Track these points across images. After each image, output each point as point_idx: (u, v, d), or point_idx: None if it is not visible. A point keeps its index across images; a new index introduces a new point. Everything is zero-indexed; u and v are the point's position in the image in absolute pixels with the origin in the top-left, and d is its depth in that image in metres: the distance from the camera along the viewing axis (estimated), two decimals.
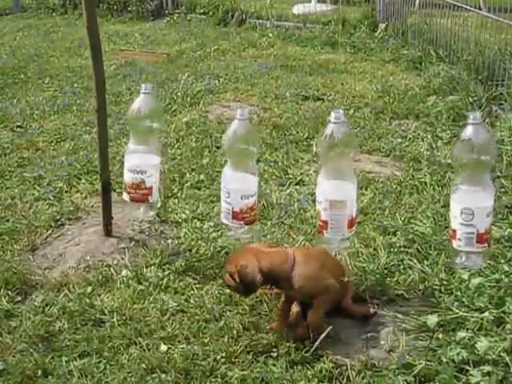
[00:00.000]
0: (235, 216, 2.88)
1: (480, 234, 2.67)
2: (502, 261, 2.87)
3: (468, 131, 2.63)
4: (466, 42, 5.71)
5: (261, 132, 4.47)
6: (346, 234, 2.78)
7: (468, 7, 5.91)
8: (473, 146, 2.61)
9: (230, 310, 2.67)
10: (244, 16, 8.20)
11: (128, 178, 3.13)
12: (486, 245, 2.72)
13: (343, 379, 2.32)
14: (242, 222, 2.89)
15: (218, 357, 2.41)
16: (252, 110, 5.02)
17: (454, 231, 2.71)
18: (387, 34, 7.11)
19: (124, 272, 2.96)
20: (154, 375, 2.34)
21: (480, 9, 6.13)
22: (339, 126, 2.63)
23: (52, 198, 3.70)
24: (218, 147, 4.31)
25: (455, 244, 2.73)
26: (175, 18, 8.62)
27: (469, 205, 2.65)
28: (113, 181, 3.44)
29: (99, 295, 2.81)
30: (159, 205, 3.43)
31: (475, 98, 4.83)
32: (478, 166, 2.64)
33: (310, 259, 2.58)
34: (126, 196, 3.18)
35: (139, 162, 3.11)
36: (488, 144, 2.67)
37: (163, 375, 2.33)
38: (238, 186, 2.85)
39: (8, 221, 3.46)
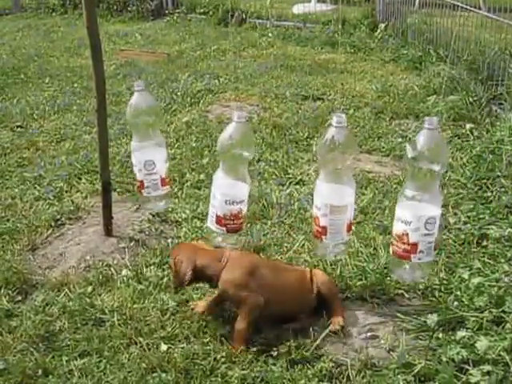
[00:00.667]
0: (218, 221, 2.84)
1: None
2: (502, 260, 2.88)
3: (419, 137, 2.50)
4: (466, 41, 5.71)
5: (255, 136, 4.47)
6: (344, 238, 2.76)
7: (468, 7, 5.90)
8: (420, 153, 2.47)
9: (230, 310, 2.67)
10: (244, 16, 8.21)
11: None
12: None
13: (343, 378, 2.32)
14: (224, 229, 2.84)
15: (218, 356, 2.42)
16: (251, 111, 5.03)
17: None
18: (387, 33, 7.12)
19: (124, 271, 2.96)
20: (154, 374, 2.34)
21: (480, 9, 6.12)
22: (340, 129, 2.59)
23: (52, 198, 3.70)
24: None
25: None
26: (175, 17, 8.64)
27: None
28: (113, 181, 3.44)
29: (99, 295, 2.81)
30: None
31: (475, 98, 4.83)
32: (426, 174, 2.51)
33: (240, 266, 2.54)
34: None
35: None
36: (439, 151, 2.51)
37: (163, 374, 2.34)
38: (224, 190, 2.81)
39: (8, 220, 3.47)
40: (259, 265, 2.59)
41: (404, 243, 2.57)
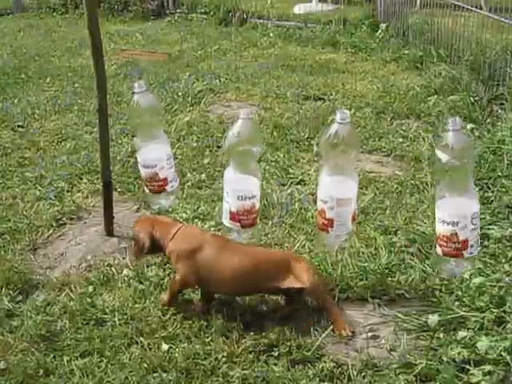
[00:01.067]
0: (232, 217, 2.86)
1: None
2: (503, 260, 2.88)
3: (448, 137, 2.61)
4: (467, 41, 5.70)
5: (262, 131, 4.48)
6: (349, 228, 2.81)
7: (469, 7, 5.90)
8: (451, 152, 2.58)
9: (231, 310, 2.67)
10: (245, 16, 8.20)
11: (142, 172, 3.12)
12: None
13: (344, 378, 2.32)
14: (238, 224, 2.87)
15: (220, 356, 2.42)
16: (252, 111, 5.03)
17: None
18: (388, 33, 7.11)
19: (125, 271, 2.97)
20: (155, 374, 2.35)
21: (481, 8, 6.12)
22: (344, 126, 2.62)
23: (53, 198, 3.70)
24: (218, 147, 4.32)
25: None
26: (176, 17, 8.63)
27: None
28: (114, 180, 3.44)
29: (100, 295, 2.81)
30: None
31: (476, 98, 4.83)
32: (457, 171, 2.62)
33: (186, 240, 2.65)
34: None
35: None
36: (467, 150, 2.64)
37: (164, 374, 2.34)
38: (236, 186, 2.84)
39: (9, 220, 3.47)
40: (206, 243, 2.64)
41: (454, 242, 2.69)
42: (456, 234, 2.70)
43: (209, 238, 2.70)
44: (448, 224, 2.67)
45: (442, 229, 2.71)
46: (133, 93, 3.17)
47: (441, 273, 2.82)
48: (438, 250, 2.82)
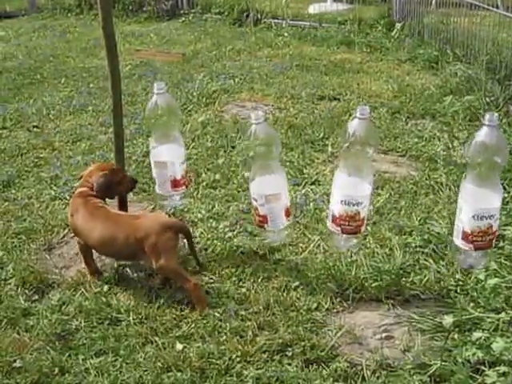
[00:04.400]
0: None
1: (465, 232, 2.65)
2: None
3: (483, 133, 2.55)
4: (483, 41, 5.67)
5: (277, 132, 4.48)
6: (284, 222, 2.92)
7: (485, 6, 5.87)
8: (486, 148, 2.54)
9: (245, 309, 2.68)
10: (259, 16, 8.20)
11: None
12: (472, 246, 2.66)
13: (358, 378, 2.32)
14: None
15: (234, 356, 2.42)
16: (267, 111, 5.03)
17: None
18: (403, 33, 7.08)
19: (140, 271, 2.97)
20: (169, 374, 2.35)
21: (498, 8, 6.08)
22: (363, 121, 2.62)
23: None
24: (233, 147, 4.32)
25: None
26: (190, 17, 8.64)
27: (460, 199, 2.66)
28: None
29: (115, 294, 2.83)
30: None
31: (492, 98, 4.80)
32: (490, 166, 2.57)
33: (77, 209, 2.96)
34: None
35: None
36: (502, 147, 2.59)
37: (179, 374, 2.35)
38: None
39: (25, 220, 3.49)
40: (82, 210, 2.90)
41: (490, 234, 2.64)
42: (491, 226, 2.62)
43: (83, 202, 2.93)
44: (482, 218, 2.60)
45: (473, 224, 2.62)
46: (152, 94, 3.16)
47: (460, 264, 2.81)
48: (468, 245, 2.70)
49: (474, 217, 2.60)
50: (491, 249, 2.72)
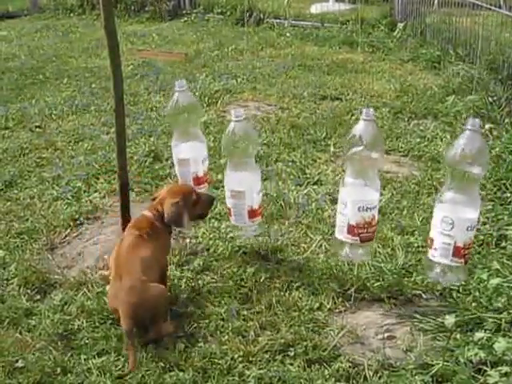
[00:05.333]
0: (350, 230, 2.69)
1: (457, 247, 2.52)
2: None
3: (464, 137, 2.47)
4: (485, 41, 5.66)
5: (273, 136, 4.48)
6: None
7: (488, 6, 5.86)
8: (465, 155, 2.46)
9: (247, 309, 2.68)
10: (262, 16, 8.20)
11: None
12: (463, 260, 2.54)
13: (360, 378, 2.32)
14: (357, 238, 2.68)
15: (236, 356, 2.42)
16: (269, 111, 5.03)
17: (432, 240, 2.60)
18: (406, 33, 7.08)
19: None
20: (171, 373, 2.35)
21: (500, 7, 6.07)
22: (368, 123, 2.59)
23: (70, 198, 3.72)
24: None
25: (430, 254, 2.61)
26: (193, 17, 8.65)
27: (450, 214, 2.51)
28: (131, 180, 3.45)
29: None
30: None
31: (495, 98, 4.79)
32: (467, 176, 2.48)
33: None
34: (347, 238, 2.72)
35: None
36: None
37: (181, 373, 2.35)
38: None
39: (27, 220, 3.50)
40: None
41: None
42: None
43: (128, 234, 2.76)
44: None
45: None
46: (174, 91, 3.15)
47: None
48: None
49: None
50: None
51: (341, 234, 2.69)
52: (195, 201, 2.82)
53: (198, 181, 3.19)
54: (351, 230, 2.65)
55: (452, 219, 2.50)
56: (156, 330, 2.52)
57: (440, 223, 2.53)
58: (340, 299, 2.73)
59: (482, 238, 3.10)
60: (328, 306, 2.69)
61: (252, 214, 2.95)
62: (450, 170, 2.54)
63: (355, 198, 2.63)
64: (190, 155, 3.16)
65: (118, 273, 2.56)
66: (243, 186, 2.91)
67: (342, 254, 2.76)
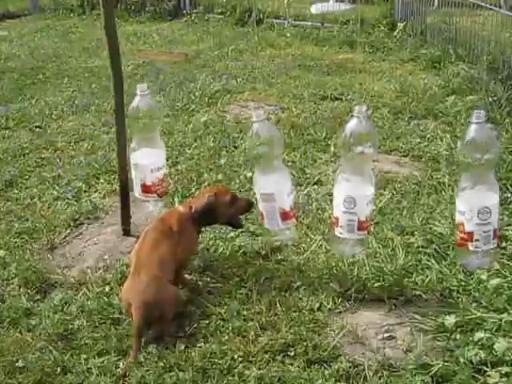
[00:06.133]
0: (283, 215, 2.84)
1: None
2: None
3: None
4: (485, 41, 5.67)
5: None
6: (280, 225, 2.87)
7: (488, 6, 5.86)
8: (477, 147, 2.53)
9: (247, 309, 2.68)
10: (262, 16, 8.20)
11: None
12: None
13: (360, 379, 2.32)
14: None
15: (236, 356, 2.42)
16: (269, 111, 5.02)
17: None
18: (406, 33, 7.08)
19: None
20: (171, 373, 2.35)
21: (500, 7, 6.08)
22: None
23: (71, 198, 3.72)
24: (235, 147, 4.32)
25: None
26: (193, 17, 8.65)
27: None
28: (131, 180, 3.45)
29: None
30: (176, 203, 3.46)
31: (495, 98, 4.79)
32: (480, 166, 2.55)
33: None
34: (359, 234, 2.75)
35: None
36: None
37: (181, 373, 2.35)
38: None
39: (27, 220, 3.50)
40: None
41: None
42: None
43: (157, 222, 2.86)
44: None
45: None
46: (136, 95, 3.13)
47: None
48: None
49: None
50: None
51: (351, 233, 2.71)
52: (230, 201, 2.89)
53: (145, 189, 3.15)
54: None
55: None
56: (158, 329, 2.53)
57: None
58: (340, 299, 2.73)
59: None
60: (328, 306, 2.69)
61: (284, 216, 2.88)
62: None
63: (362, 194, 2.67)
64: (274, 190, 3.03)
65: (138, 267, 2.63)
66: (273, 188, 2.85)
67: (345, 250, 2.80)
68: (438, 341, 2.47)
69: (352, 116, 2.61)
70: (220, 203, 2.85)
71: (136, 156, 3.14)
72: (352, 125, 2.60)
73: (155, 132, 3.18)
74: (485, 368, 2.28)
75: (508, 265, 2.83)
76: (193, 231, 2.85)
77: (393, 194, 3.62)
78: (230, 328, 2.56)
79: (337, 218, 2.71)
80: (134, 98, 3.10)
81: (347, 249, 2.79)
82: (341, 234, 2.72)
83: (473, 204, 2.57)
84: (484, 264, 2.71)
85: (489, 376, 2.24)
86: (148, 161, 3.11)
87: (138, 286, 2.56)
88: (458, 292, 2.72)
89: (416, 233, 3.18)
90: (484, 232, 2.58)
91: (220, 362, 2.40)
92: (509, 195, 3.48)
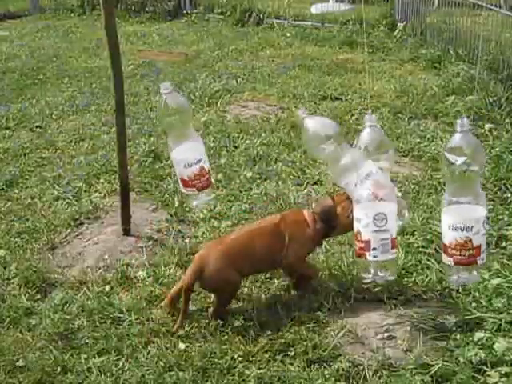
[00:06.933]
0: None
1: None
2: None
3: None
4: (485, 41, 5.66)
5: (273, 136, 4.46)
6: None
7: (488, 6, 5.86)
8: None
9: (247, 309, 2.68)
10: (262, 16, 8.20)
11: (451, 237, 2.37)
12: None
13: (360, 378, 2.32)
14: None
15: (236, 355, 2.42)
16: (269, 111, 5.02)
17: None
18: (406, 33, 7.08)
19: (142, 271, 2.98)
20: (171, 373, 2.36)
21: (500, 7, 6.08)
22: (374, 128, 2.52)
23: (71, 198, 3.73)
24: (235, 147, 4.32)
25: None
26: (193, 18, 8.66)
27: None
28: (131, 180, 3.46)
29: (117, 294, 2.83)
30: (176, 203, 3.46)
31: (495, 98, 4.79)
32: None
33: None
34: (446, 259, 2.39)
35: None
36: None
37: (181, 373, 2.35)
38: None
39: (28, 220, 3.50)
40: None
41: (468, 249, 2.32)
42: (470, 240, 2.29)
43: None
44: (462, 230, 2.29)
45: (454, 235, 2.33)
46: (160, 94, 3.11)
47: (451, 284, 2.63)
48: (448, 259, 2.36)
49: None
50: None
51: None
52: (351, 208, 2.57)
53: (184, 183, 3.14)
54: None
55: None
56: (214, 308, 2.63)
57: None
58: (340, 299, 2.73)
59: None
60: (328, 306, 2.69)
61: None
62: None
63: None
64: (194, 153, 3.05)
65: (222, 241, 2.73)
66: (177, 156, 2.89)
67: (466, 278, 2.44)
68: (438, 341, 2.47)
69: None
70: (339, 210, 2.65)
71: (172, 153, 3.14)
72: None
73: (187, 127, 3.17)
74: (485, 368, 2.28)
75: (508, 265, 2.83)
76: (308, 239, 2.70)
77: None
78: (230, 328, 2.56)
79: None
80: (159, 97, 3.07)
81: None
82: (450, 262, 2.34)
83: (368, 210, 2.39)
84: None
85: (489, 376, 2.24)
86: (181, 156, 3.11)
87: (208, 250, 2.65)
88: (457, 292, 2.72)
89: (416, 233, 3.18)
90: (381, 239, 2.38)
91: (220, 361, 2.40)
92: (508, 195, 3.48)
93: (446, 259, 2.35)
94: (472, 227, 2.29)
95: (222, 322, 2.58)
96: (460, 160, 2.35)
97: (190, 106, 3.30)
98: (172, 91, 3.06)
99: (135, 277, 2.94)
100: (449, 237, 2.32)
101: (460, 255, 2.29)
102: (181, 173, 3.11)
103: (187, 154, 3.10)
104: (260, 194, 3.65)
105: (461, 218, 2.30)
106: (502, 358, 2.30)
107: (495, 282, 2.67)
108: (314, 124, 2.68)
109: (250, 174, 3.85)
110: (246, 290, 2.80)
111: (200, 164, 3.08)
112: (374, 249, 2.39)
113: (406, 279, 2.82)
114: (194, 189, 3.13)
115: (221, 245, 2.68)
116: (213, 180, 3.10)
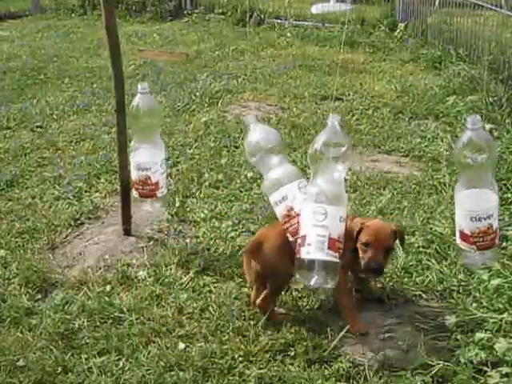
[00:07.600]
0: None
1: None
2: None
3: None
4: (486, 41, 5.67)
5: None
6: None
7: (489, 6, 5.86)
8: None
9: (248, 309, 2.68)
10: (262, 16, 8.21)
11: (134, 175, 3.08)
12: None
13: (360, 378, 2.32)
14: (473, 247, 2.49)
15: (236, 355, 2.42)
16: (270, 111, 5.02)
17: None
18: (407, 33, 7.09)
19: (143, 271, 2.98)
20: (172, 373, 2.36)
21: (501, 8, 6.08)
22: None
23: (72, 198, 3.73)
24: (236, 147, 4.32)
25: None
26: (194, 18, 8.66)
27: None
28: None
29: (118, 294, 2.83)
30: (177, 203, 3.47)
31: (495, 98, 4.79)
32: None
33: None
34: (134, 192, 3.14)
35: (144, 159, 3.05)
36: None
37: (181, 373, 2.35)
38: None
39: (28, 220, 3.50)
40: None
41: None
42: (491, 226, 2.45)
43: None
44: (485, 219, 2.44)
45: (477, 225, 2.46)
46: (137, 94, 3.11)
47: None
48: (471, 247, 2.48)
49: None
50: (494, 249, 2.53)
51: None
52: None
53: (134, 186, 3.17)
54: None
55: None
56: (264, 295, 2.60)
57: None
58: None
59: None
60: (328, 306, 2.69)
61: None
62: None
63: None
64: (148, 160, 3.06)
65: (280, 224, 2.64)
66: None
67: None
68: (439, 341, 2.47)
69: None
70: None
71: (131, 154, 3.15)
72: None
73: (153, 132, 3.15)
74: (485, 368, 2.28)
75: (508, 265, 2.83)
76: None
77: (393, 194, 3.62)
78: (231, 328, 2.57)
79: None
80: (135, 96, 3.09)
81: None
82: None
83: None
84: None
85: (489, 376, 2.24)
86: (136, 158, 3.10)
87: (266, 237, 2.68)
88: (458, 292, 2.72)
89: (416, 233, 3.18)
90: (318, 235, 2.37)
91: (220, 361, 2.40)
92: (508, 195, 3.48)
93: (466, 247, 2.50)
94: (493, 214, 2.46)
95: (264, 317, 2.57)
96: (480, 158, 2.41)
97: (161, 112, 3.31)
98: (148, 93, 3.06)
99: (136, 277, 2.94)
100: (471, 226, 2.47)
101: (483, 241, 2.47)
102: (133, 174, 3.12)
103: (141, 159, 3.10)
104: (261, 194, 3.64)
105: (483, 208, 2.46)
106: (503, 358, 2.29)
107: (496, 282, 2.67)
108: (258, 133, 2.70)
109: (250, 174, 3.85)
110: (246, 289, 2.80)
111: (148, 172, 3.06)
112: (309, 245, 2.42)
113: (406, 279, 2.82)
114: (137, 193, 3.13)
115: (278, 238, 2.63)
116: (161, 194, 3.10)
